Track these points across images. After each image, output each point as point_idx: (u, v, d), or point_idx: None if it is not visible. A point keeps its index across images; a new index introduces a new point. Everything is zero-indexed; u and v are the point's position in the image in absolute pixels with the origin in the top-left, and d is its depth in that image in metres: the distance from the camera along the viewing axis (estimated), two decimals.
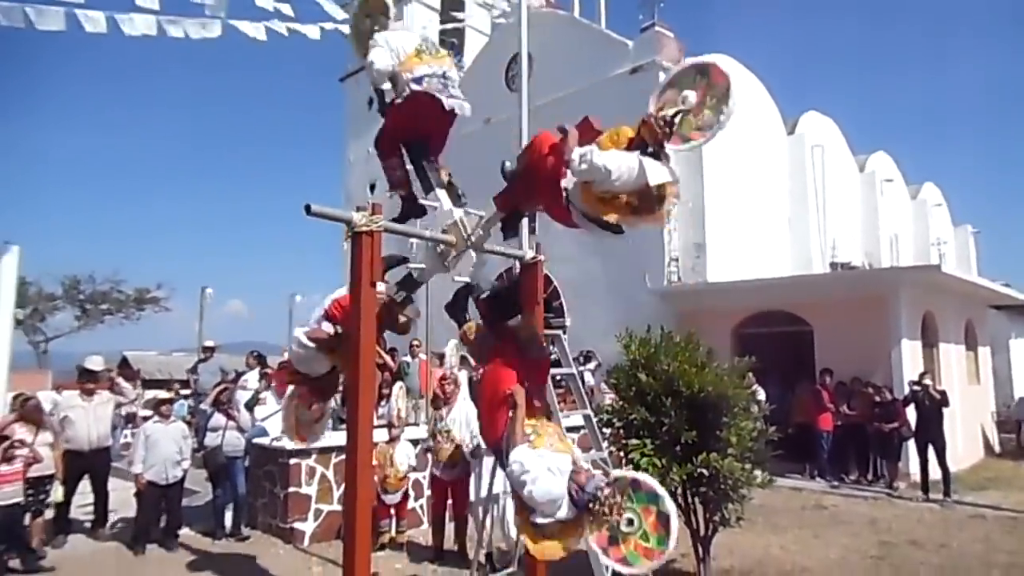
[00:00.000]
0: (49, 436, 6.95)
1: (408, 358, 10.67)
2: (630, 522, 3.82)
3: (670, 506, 3.86)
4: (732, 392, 5.82)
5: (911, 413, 10.40)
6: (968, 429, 13.18)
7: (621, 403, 6.08)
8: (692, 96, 4.02)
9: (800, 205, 17.85)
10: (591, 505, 3.72)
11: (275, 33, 13.19)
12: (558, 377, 5.35)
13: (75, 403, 7.61)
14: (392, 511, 7.55)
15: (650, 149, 3.92)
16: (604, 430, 5.96)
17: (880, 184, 21.50)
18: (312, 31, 13.93)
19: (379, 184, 22.89)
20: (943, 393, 10.10)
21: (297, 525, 7.67)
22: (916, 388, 10.25)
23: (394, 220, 4.60)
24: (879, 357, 11.52)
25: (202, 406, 9.11)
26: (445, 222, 4.47)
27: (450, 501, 7.33)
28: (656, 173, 3.77)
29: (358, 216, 3.87)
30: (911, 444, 10.71)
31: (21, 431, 6.59)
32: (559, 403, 5.26)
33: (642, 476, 4.08)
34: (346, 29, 14.83)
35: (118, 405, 8.00)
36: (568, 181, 4.03)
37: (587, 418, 5.34)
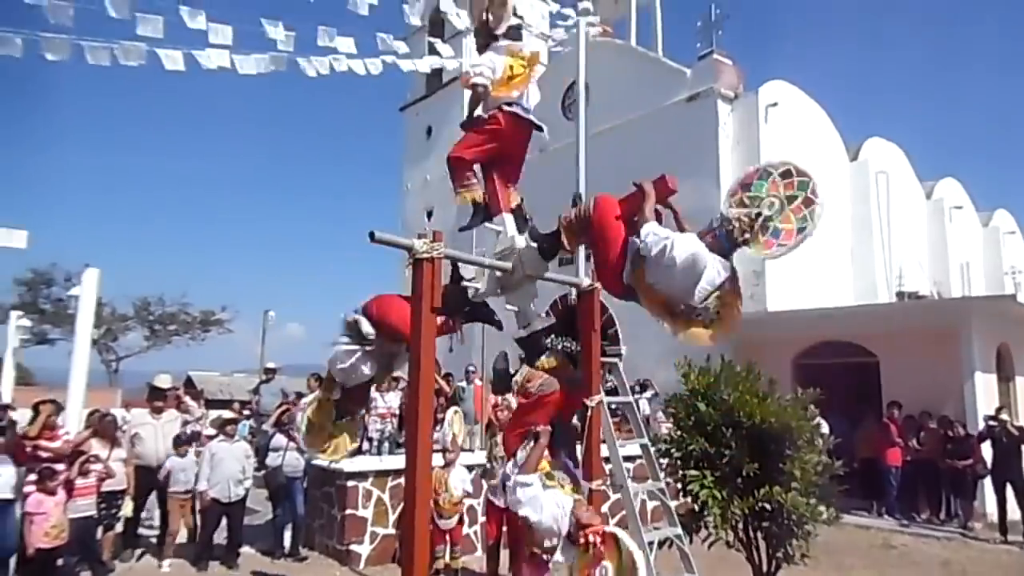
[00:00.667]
0: (123, 452, 7.25)
1: (464, 383, 10.73)
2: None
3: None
4: (796, 424, 5.66)
5: (987, 449, 9.91)
6: None
7: (680, 433, 5.98)
8: (776, 202, 3.98)
9: (864, 232, 17.37)
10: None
11: (337, 66, 13.69)
12: (614, 406, 5.31)
13: (145, 420, 7.90)
14: (447, 536, 7.54)
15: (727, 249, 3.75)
16: (661, 460, 5.87)
17: (949, 211, 20.77)
18: (374, 66, 14.40)
19: (436, 211, 23.30)
20: (1022, 429, 9.61)
21: (354, 547, 7.75)
22: (993, 424, 9.78)
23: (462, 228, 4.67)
24: (950, 390, 11.05)
25: (264, 427, 9.34)
26: (504, 247, 4.51)
27: (505, 528, 7.31)
28: (716, 274, 3.58)
29: (419, 243, 3.93)
30: (987, 482, 10.20)
31: (96, 447, 6.88)
32: (615, 431, 5.22)
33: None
34: (404, 64, 15.34)
35: (185, 423, 8.25)
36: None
37: (644, 447, 5.27)
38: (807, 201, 3.78)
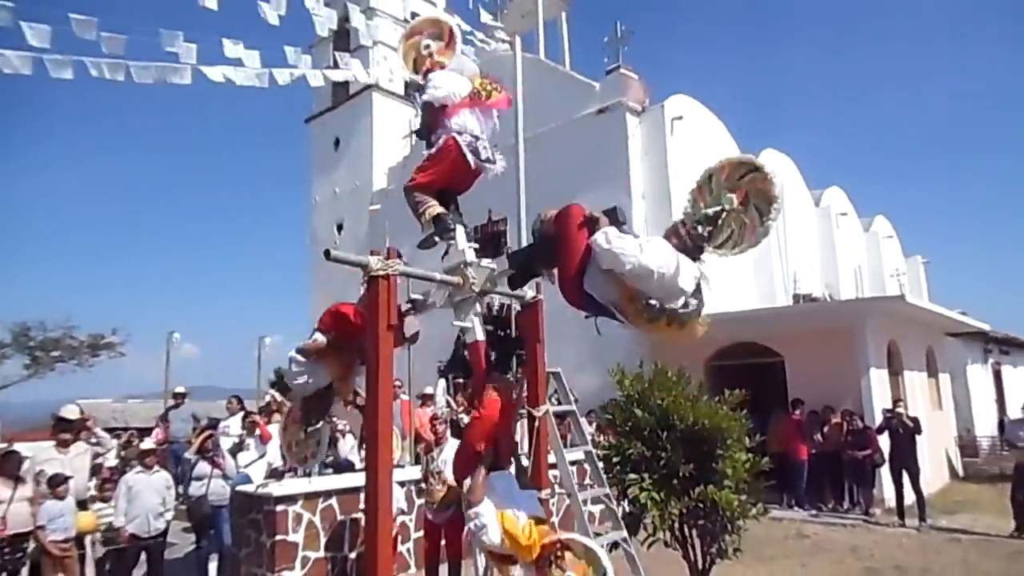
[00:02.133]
0: (28, 491, 6.71)
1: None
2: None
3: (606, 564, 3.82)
4: (726, 424, 5.95)
5: (884, 440, 10.68)
6: (934, 454, 13.56)
7: (619, 439, 6.16)
8: (734, 198, 3.83)
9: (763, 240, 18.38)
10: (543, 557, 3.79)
11: (244, 77, 13.30)
12: (561, 413, 5.41)
13: (51, 455, 7.36)
14: None
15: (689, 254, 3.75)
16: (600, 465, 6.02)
17: (836, 217, 22.29)
18: (281, 76, 14.06)
19: (346, 223, 22.88)
20: (916, 420, 10.42)
21: (284, 574, 7.47)
22: (890, 415, 10.56)
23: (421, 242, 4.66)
24: (849, 385, 11.85)
25: (186, 455, 8.89)
26: (455, 261, 4.54)
27: (443, 542, 7.26)
28: (689, 277, 3.62)
29: (374, 260, 3.92)
30: (884, 471, 10.99)
31: None
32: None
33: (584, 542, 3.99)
34: (312, 77, 15.04)
35: (95, 456, 7.75)
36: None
37: (588, 454, 5.39)
38: (764, 195, 3.75)
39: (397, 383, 10.85)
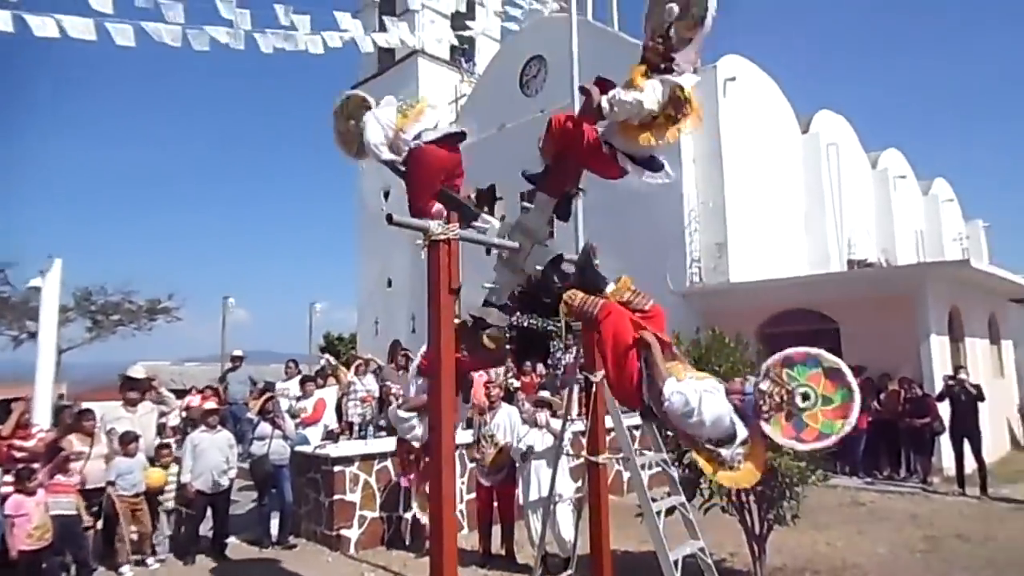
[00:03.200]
0: (103, 448, 7.00)
1: None
2: (805, 397, 3.74)
3: (833, 359, 3.86)
4: None
5: (944, 408, 10.40)
6: (995, 423, 13.16)
7: None
8: (675, 7, 4.08)
9: (816, 203, 17.86)
10: (760, 404, 3.71)
11: (294, 42, 13.35)
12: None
13: (120, 414, 7.61)
14: None
15: (663, 67, 4.11)
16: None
17: (893, 180, 21.52)
18: (331, 39, 14.08)
19: (393, 191, 22.97)
20: (978, 387, 10.11)
21: (343, 532, 7.70)
22: (951, 383, 10.26)
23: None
24: (907, 353, 11.55)
25: (248, 415, 9.17)
26: (496, 231, 4.56)
27: (496, 504, 7.37)
28: (681, 80, 3.99)
29: (435, 225, 3.94)
30: (943, 439, 10.73)
31: (76, 443, 6.64)
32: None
33: (789, 350, 3.99)
34: (361, 42, 15.03)
35: (162, 414, 8.03)
36: (603, 128, 4.30)
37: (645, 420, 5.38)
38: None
39: None
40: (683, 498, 5.21)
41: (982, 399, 10.06)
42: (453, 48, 23.56)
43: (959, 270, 12.16)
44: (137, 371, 7.99)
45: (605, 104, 4.07)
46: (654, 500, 4.65)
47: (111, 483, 6.85)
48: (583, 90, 4.25)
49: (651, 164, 4.38)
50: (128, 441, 7.01)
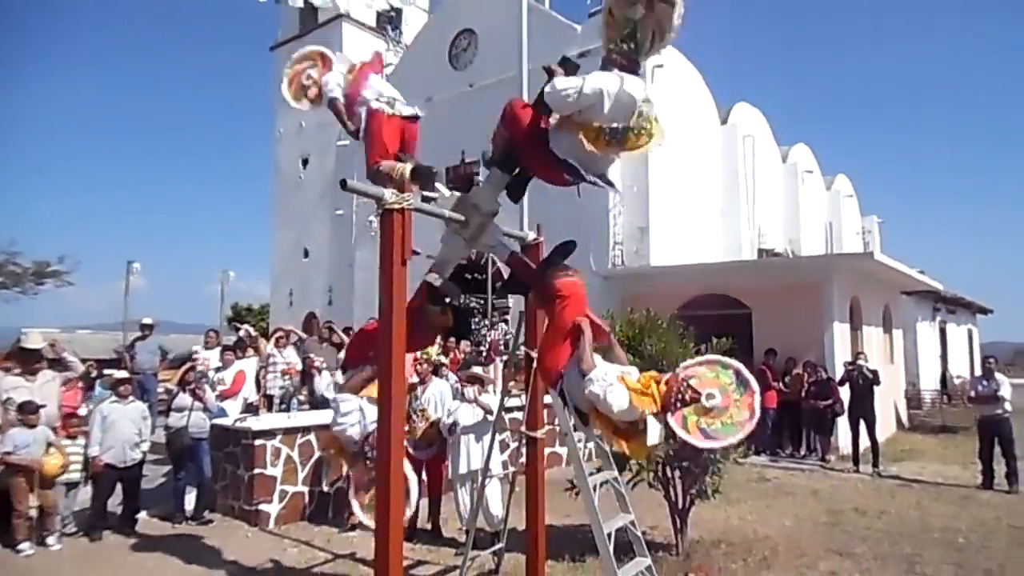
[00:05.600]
0: None
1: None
2: (710, 397, 3.73)
3: (731, 362, 3.97)
4: None
5: (844, 392, 11.08)
6: (885, 406, 14.12)
7: None
8: (639, 11, 3.92)
9: (732, 193, 18.56)
10: (669, 398, 3.70)
11: None
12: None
13: (18, 383, 7.07)
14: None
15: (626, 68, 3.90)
16: None
17: (802, 175, 22.62)
18: None
19: (312, 159, 22.27)
20: (875, 372, 10.82)
21: (262, 507, 7.49)
22: (851, 368, 10.94)
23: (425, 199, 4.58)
24: (812, 338, 12.21)
25: (168, 386, 8.71)
26: (446, 202, 4.50)
27: (424, 477, 7.34)
28: (638, 87, 3.77)
29: (388, 194, 3.82)
30: (840, 420, 11.44)
31: None
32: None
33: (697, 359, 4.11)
34: None
35: (65, 381, 7.51)
36: (555, 121, 4.01)
37: None
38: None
39: (374, 320, 10.79)
40: (616, 472, 5.33)
41: (878, 383, 10.78)
42: (379, 15, 22.90)
43: (863, 262, 12.94)
44: (34, 339, 7.33)
45: (568, 88, 3.72)
46: (589, 475, 4.74)
47: (7, 454, 6.38)
48: (546, 69, 3.94)
49: (601, 178, 4.11)
50: (30, 411, 6.52)
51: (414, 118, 5.01)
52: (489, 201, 4.51)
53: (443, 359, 8.73)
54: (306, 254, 22.82)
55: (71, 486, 6.93)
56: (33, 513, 6.58)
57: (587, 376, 3.83)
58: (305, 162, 22.37)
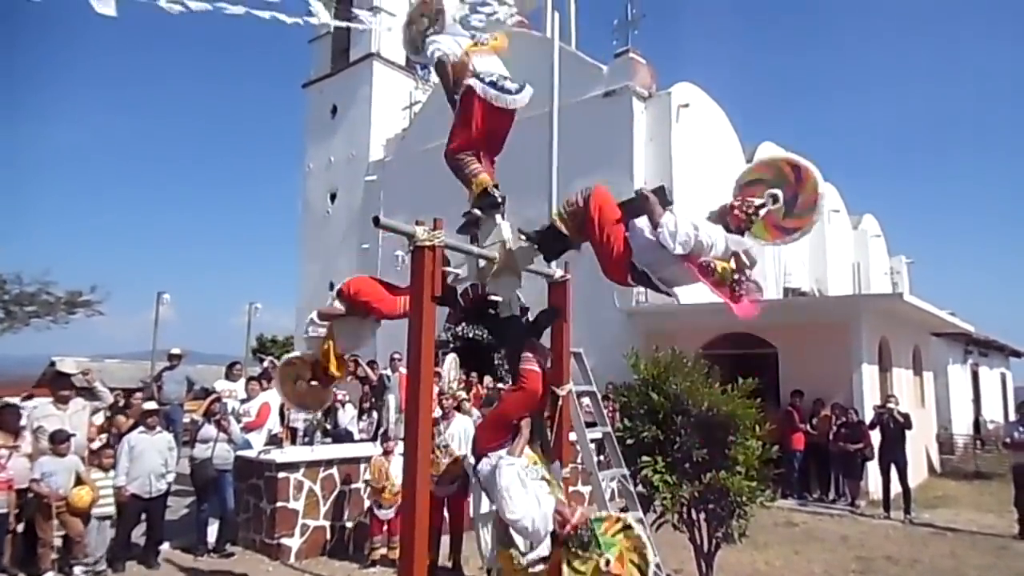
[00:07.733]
0: (27, 446, 6.60)
1: (388, 371, 10.53)
2: (608, 563, 3.77)
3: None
4: (740, 411, 6.00)
5: (874, 435, 10.85)
6: (916, 450, 13.79)
7: (634, 422, 6.19)
8: (780, 195, 4.41)
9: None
10: (568, 543, 3.82)
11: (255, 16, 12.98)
12: (581, 393, 5.43)
13: (49, 412, 7.19)
14: (385, 527, 7.43)
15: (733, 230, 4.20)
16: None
17: (828, 214, 22.45)
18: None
19: (340, 193, 22.62)
20: (907, 416, 10.59)
21: (284, 540, 7.47)
22: (881, 411, 10.72)
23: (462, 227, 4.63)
24: (840, 380, 12.00)
25: (194, 417, 8.79)
26: (495, 240, 4.51)
27: (447, 515, 7.29)
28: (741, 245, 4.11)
29: (420, 231, 3.88)
30: (870, 464, 11.19)
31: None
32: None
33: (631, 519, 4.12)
34: (321, 14, 14.72)
35: (95, 411, 7.62)
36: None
37: (607, 435, 5.43)
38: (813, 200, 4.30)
39: (396, 355, 10.81)
40: (641, 513, 5.28)
41: (910, 427, 10.55)
42: (407, 42, 23.34)
43: (892, 303, 12.76)
44: (68, 365, 7.53)
45: (681, 233, 3.89)
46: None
47: (35, 481, 6.45)
48: (639, 194, 4.11)
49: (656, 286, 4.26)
50: (60, 440, 6.61)
51: (510, 111, 4.66)
52: (524, 262, 4.60)
53: (463, 394, 8.73)
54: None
55: (103, 519, 6.87)
56: (58, 543, 6.63)
57: (505, 459, 4.15)
58: (333, 196, 22.70)
